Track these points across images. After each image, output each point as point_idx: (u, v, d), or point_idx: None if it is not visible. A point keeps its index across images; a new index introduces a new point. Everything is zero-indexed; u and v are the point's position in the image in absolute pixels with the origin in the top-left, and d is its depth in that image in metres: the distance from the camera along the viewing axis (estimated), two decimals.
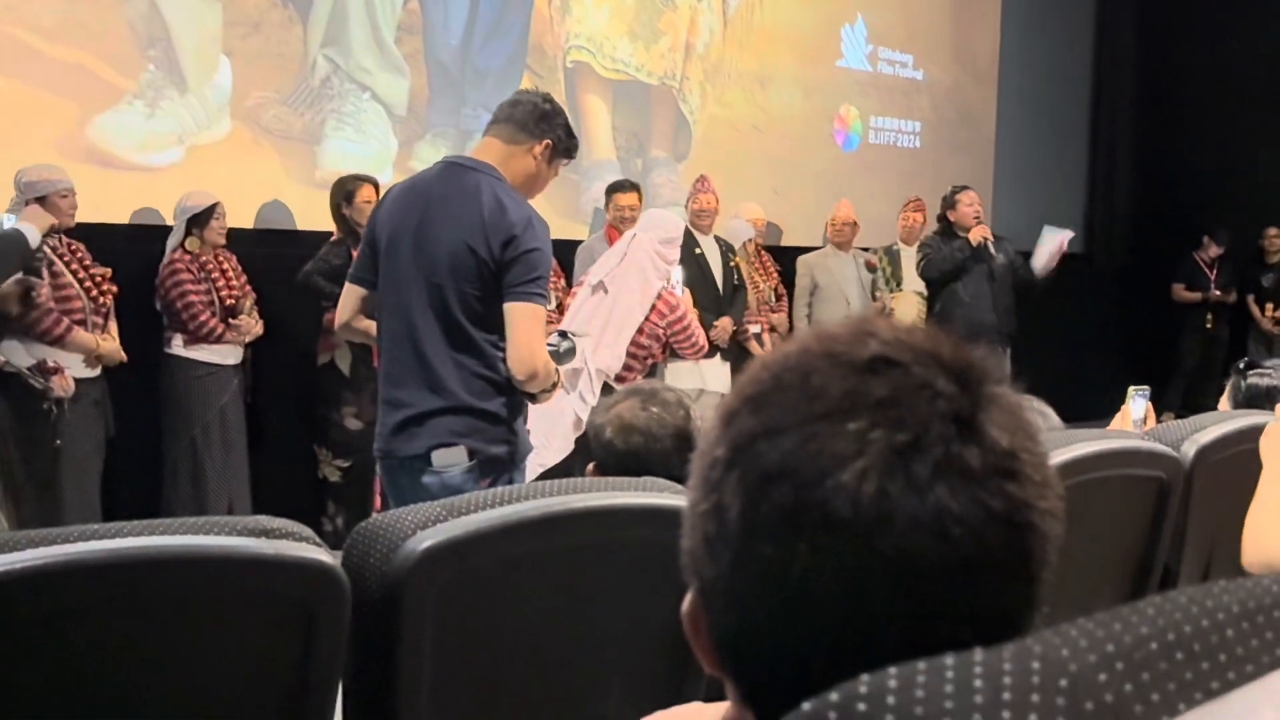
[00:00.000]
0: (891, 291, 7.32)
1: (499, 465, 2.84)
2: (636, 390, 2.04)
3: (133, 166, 5.17)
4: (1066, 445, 2.04)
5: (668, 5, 7.02)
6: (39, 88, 4.93)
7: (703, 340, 5.22)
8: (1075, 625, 0.56)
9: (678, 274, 5.11)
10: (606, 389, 4.65)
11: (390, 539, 1.54)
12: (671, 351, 6.35)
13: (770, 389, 0.67)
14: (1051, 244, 6.50)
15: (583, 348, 4.49)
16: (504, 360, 2.80)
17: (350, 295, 2.96)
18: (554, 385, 2.92)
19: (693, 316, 5.16)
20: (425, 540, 1.52)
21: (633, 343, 4.77)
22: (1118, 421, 3.07)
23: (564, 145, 2.92)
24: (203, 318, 4.82)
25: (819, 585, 0.62)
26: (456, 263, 2.75)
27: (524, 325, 2.76)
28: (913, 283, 7.36)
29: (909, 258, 7.41)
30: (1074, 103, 9.57)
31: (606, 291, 4.70)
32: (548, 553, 1.62)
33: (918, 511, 0.61)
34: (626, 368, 4.80)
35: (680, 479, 1.89)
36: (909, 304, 7.26)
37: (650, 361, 5.07)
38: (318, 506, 5.22)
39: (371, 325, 3.00)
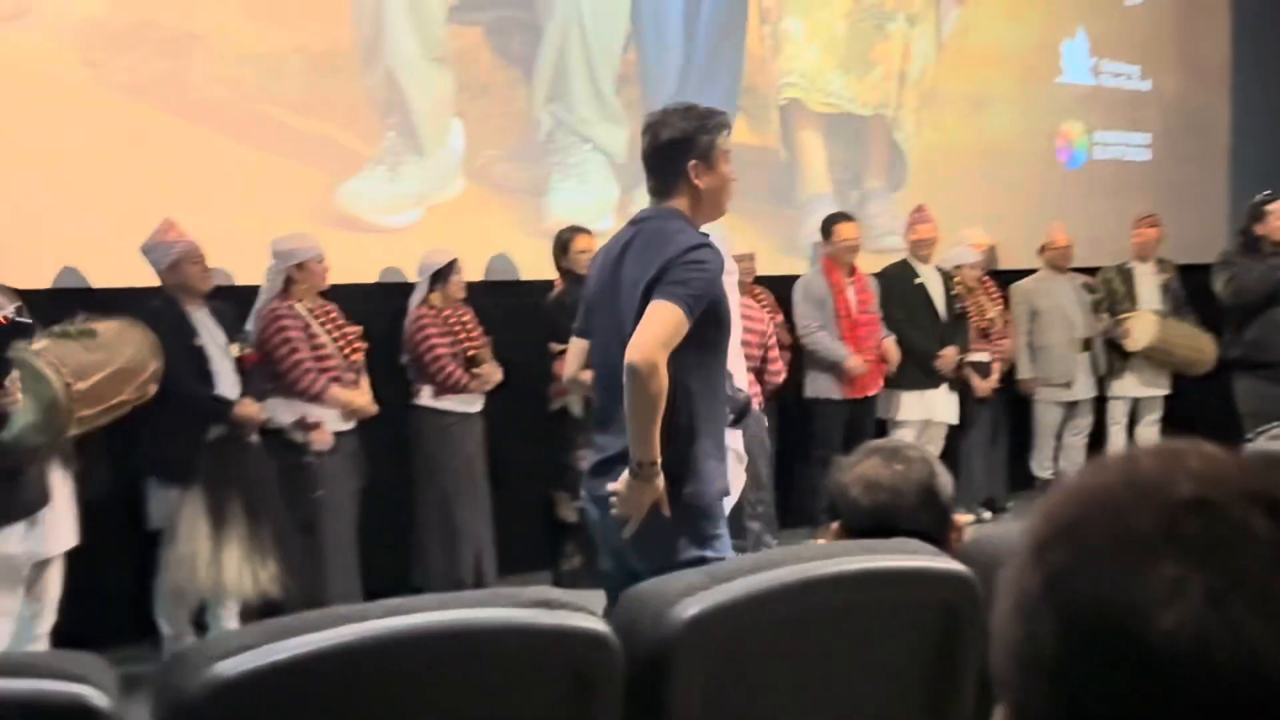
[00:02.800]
0: (1125, 311, 7.07)
1: (690, 508, 2.89)
2: (878, 448, 2.06)
3: (376, 228, 5.49)
4: None
5: (879, 35, 7.00)
6: (290, 159, 5.29)
7: (782, 364, 5.40)
8: None
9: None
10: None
11: (656, 606, 1.62)
12: (888, 381, 6.29)
13: (1080, 522, 0.69)
14: None
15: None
16: (698, 404, 2.87)
17: (576, 348, 3.11)
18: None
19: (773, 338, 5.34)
20: (691, 607, 1.59)
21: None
22: None
23: (710, 141, 2.90)
24: (449, 369, 5.08)
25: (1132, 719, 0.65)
26: (635, 311, 2.84)
27: (655, 318, 2.76)
28: (1149, 301, 7.10)
29: (1144, 275, 7.15)
30: None
31: None
32: (808, 616, 1.67)
33: (1234, 654, 0.63)
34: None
35: (927, 535, 1.91)
36: (1146, 324, 7.00)
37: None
38: (557, 548, 5.40)
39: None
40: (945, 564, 1.72)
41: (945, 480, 2.04)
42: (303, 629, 1.38)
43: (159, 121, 4.93)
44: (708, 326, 2.85)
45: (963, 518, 2.03)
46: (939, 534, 1.95)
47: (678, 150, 2.88)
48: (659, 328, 2.75)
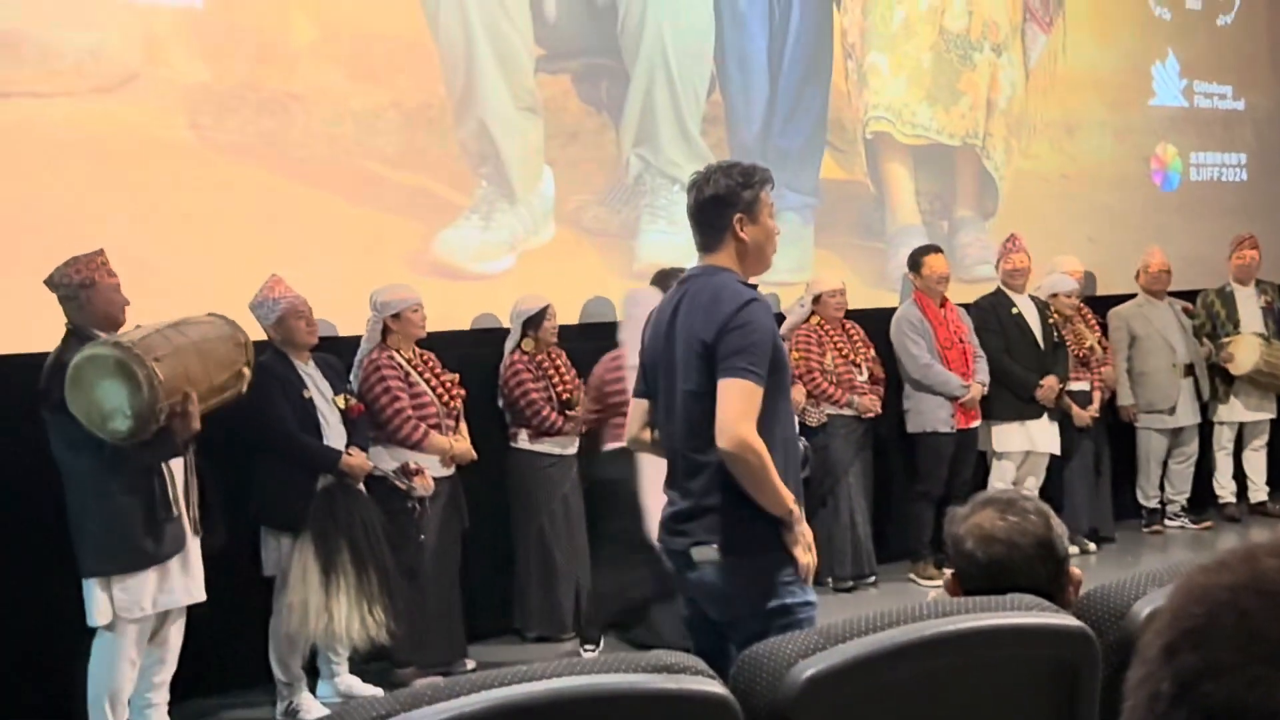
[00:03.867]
0: (1227, 334, 6.93)
1: (757, 558, 2.90)
2: (992, 500, 2.05)
3: (471, 276, 5.59)
4: None
5: (966, 65, 6.98)
6: (387, 211, 5.41)
7: None
8: None
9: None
10: None
11: (773, 667, 1.63)
12: (984, 412, 6.22)
13: (1206, 626, 0.72)
14: None
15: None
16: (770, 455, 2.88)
17: (636, 410, 3.15)
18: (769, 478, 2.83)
19: None
20: (808, 669, 1.60)
21: None
22: None
23: (754, 196, 2.93)
24: (544, 413, 5.15)
25: None
26: (690, 367, 2.89)
27: (726, 399, 2.80)
28: (1251, 324, 6.96)
29: (1246, 298, 7.01)
30: None
31: None
32: (925, 676, 1.67)
33: None
34: None
35: (1043, 589, 1.90)
36: (1249, 347, 6.86)
37: None
38: None
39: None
40: (1063, 620, 1.72)
41: (1061, 532, 2.02)
42: (434, 698, 1.42)
43: (262, 180, 5.08)
44: (769, 374, 2.87)
45: (1078, 571, 2.02)
46: (1055, 588, 1.94)
47: (723, 205, 2.93)
48: (735, 405, 2.79)
